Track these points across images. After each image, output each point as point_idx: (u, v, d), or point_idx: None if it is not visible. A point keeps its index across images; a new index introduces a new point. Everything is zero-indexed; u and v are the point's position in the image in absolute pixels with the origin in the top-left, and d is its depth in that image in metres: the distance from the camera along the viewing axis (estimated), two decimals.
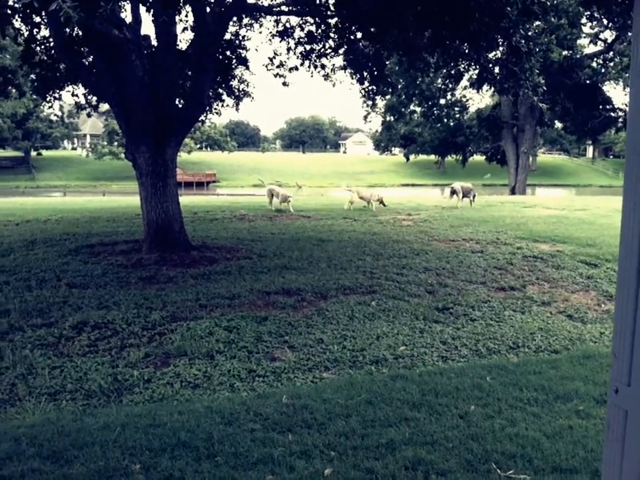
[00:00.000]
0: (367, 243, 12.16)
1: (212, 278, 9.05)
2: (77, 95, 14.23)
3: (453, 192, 21.52)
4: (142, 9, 11.16)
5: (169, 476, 3.61)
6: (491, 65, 12.51)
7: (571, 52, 35.14)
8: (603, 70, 37.70)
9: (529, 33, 11.42)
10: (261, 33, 21.93)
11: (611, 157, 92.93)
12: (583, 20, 32.81)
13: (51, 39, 12.10)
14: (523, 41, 11.09)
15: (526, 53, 11.26)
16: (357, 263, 10.16)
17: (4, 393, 5.05)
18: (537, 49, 11.93)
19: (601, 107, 39.25)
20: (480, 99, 77.47)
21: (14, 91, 16.47)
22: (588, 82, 36.34)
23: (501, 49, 12.19)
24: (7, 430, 4.25)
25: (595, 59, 37.54)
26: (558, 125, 50.43)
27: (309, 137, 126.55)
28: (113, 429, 4.20)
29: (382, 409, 4.55)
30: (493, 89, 16.68)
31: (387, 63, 16.09)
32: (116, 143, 64.35)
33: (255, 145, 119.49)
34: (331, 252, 11.13)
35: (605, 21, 32.97)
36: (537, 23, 13.45)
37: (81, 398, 4.97)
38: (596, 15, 30.28)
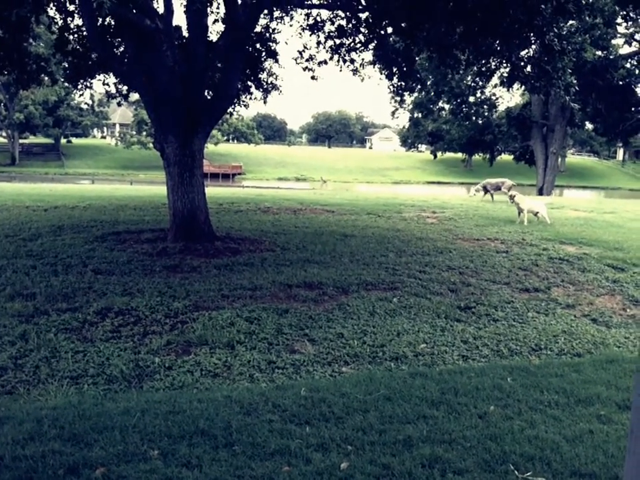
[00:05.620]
0: (390, 240, 12.11)
1: (235, 269, 9.09)
2: (107, 84, 14.38)
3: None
4: None
5: (187, 463, 3.64)
6: (522, 63, 12.36)
7: (605, 52, 34.54)
8: (637, 71, 36.98)
9: (563, 32, 11.26)
10: (291, 26, 21.99)
11: None
12: (619, 20, 32.25)
13: (84, 28, 12.23)
14: (556, 40, 10.94)
15: (559, 51, 11.10)
16: (380, 259, 10.12)
17: (28, 374, 5.13)
18: (570, 48, 11.76)
19: (633, 109, 38.54)
20: (510, 98, 76.75)
21: (46, 78, 16.68)
22: (621, 83, 35.68)
23: (533, 47, 12.04)
24: (30, 411, 4.32)
25: (630, 60, 36.84)
26: (588, 126, 49.72)
27: (335, 131, 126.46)
28: (133, 414, 4.25)
29: (400, 406, 4.54)
30: (523, 87, 16.49)
31: (417, 58, 15.98)
32: (144, 133, 65.08)
33: (281, 139, 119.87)
34: (354, 247, 11.11)
35: None
36: (571, 21, 13.26)
37: (103, 383, 5.03)
38: (632, 15, 29.75)
